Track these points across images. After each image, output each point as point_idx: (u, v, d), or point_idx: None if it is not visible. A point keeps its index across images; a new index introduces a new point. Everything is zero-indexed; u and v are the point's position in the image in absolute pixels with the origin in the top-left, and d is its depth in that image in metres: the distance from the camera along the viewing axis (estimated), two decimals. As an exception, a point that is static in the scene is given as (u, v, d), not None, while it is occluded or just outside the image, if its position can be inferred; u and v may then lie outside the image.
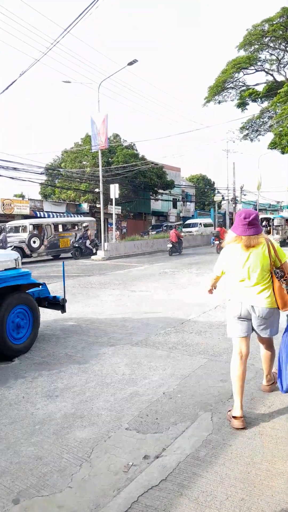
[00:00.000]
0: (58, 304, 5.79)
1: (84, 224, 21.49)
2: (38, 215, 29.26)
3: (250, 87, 31.13)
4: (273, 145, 29.32)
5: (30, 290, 5.50)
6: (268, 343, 3.46)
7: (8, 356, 4.80)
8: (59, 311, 5.83)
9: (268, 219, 23.89)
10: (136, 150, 36.04)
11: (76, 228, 22.52)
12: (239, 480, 2.35)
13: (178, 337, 5.45)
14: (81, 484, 2.37)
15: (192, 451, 2.66)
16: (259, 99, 30.95)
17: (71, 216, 30.38)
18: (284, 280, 3.08)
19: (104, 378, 4.05)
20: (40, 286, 5.66)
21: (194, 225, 38.19)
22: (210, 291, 3.76)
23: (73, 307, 7.47)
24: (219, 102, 31.61)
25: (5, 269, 5.18)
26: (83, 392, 3.70)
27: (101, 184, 21.84)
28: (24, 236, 19.24)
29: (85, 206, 34.89)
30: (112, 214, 23.72)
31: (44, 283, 5.83)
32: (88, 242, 20.76)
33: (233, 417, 2.99)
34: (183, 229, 36.83)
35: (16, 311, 4.99)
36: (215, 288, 3.73)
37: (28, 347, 5.09)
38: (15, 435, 2.97)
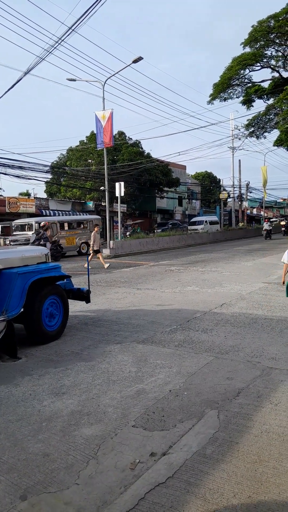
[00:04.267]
0: (82, 295, 6.24)
1: (41, 223, 16.89)
2: (44, 214, 29.36)
3: (256, 83, 30.91)
4: (279, 142, 29.16)
5: (57, 283, 5.91)
6: None
7: (44, 341, 5.29)
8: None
9: None
10: (141, 148, 36.00)
11: (82, 226, 22.56)
12: (246, 477, 2.34)
13: (184, 334, 5.45)
14: (88, 481, 2.38)
15: (199, 448, 2.66)
16: (265, 96, 30.72)
17: (76, 215, 30.44)
18: None
19: (111, 375, 4.06)
20: (65, 279, 6.10)
21: (199, 222, 38.07)
22: None
23: (79, 305, 7.48)
24: (225, 99, 31.42)
25: (38, 263, 5.68)
26: (90, 390, 3.72)
27: (106, 182, 21.84)
28: (30, 234, 19.33)
29: (90, 204, 34.94)
30: (117, 212, 23.73)
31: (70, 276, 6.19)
32: (48, 245, 15.61)
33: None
34: (189, 227, 36.71)
35: (49, 301, 5.48)
36: None
37: (60, 333, 5.59)
38: (22, 432, 2.98)
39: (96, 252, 14.74)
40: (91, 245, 14.89)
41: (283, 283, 6.08)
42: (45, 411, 3.31)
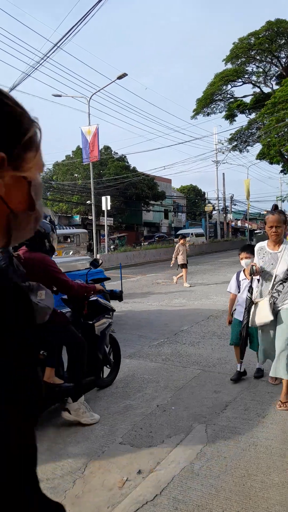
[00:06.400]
0: (115, 295, 7.11)
1: None
2: (30, 228, 29.14)
3: (238, 99, 31.60)
4: (261, 156, 29.67)
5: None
6: None
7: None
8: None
9: None
10: (127, 162, 36.25)
11: (69, 240, 22.47)
12: (234, 492, 2.33)
13: (172, 348, 5.44)
14: (75, 501, 2.34)
15: (187, 464, 2.64)
16: (247, 111, 31.39)
17: (63, 229, 30.34)
18: None
19: (98, 392, 4.01)
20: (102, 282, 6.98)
21: (186, 235, 38.31)
22: None
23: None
24: (208, 114, 31.99)
25: (85, 268, 6.71)
26: (76, 407, 3.66)
27: (92, 196, 21.89)
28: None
29: (77, 218, 34.90)
30: (104, 225, 23.75)
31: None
32: None
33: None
34: (175, 240, 36.89)
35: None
36: None
37: None
38: (7, 453, 2.92)
39: (183, 266, 12.81)
40: (180, 259, 12.88)
41: (229, 322, 4.35)
42: (31, 430, 3.25)
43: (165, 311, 8.17)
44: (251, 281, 3.72)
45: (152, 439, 3.01)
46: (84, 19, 12.43)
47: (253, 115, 30.84)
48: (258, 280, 3.69)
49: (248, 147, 33.26)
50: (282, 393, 3.44)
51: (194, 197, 59.24)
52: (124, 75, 19.76)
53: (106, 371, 4.15)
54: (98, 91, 21.46)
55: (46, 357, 3.23)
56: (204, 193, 58.64)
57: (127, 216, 38.11)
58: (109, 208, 21.80)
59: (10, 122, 0.59)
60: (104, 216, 22.71)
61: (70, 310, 3.76)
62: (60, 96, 21.86)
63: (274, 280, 3.47)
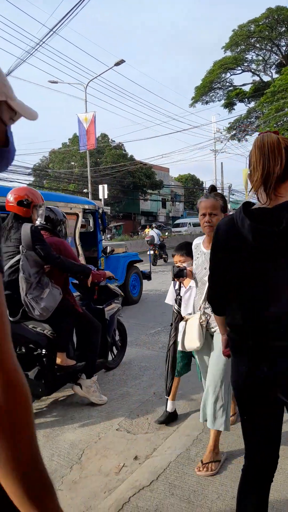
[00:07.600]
0: (145, 275, 8.59)
1: None
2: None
3: (237, 87, 31.33)
4: (260, 145, 29.50)
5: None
6: None
7: (130, 304, 7.63)
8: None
9: None
10: (125, 150, 36.02)
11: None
12: (230, 478, 2.35)
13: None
14: (72, 486, 2.36)
15: (183, 450, 2.66)
16: (246, 99, 31.16)
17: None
18: None
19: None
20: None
21: (183, 224, 38.26)
22: None
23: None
24: (207, 102, 31.76)
25: (123, 251, 8.20)
26: (73, 394, 3.68)
27: (89, 185, 21.78)
28: None
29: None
30: (101, 214, 23.65)
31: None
32: None
33: None
34: (173, 229, 36.87)
35: (133, 277, 7.99)
36: None
37: (138, 299, 8.16)
38: (4, 439, 2.93)
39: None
40: None
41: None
42: (28, 417, 3.26)
43: (162, 300, 8.17)
44: (178, 287, 2.92)
45: (148, 426, 3.03)
46: (80, 3, 12.20)
47: (252, 104, 30.60)
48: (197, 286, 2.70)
49: (247, 136, 33.03)
50: (207, 450, 2.49)
51: (192, 186, 59.04)
52: (122, 61, 19.48)
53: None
54: (95, 77, 21.20)
55: (57, 341, 3.19)
56: (202, 182, 58.48)
57: (125, 205, 38.00)
58: (106, 196, 21.67)
59: None
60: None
61: (79, 294, 3.90)
62: (56, 82, 21.56)
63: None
